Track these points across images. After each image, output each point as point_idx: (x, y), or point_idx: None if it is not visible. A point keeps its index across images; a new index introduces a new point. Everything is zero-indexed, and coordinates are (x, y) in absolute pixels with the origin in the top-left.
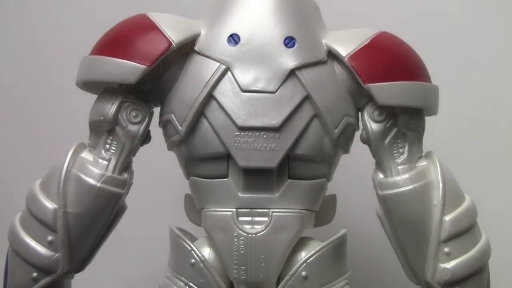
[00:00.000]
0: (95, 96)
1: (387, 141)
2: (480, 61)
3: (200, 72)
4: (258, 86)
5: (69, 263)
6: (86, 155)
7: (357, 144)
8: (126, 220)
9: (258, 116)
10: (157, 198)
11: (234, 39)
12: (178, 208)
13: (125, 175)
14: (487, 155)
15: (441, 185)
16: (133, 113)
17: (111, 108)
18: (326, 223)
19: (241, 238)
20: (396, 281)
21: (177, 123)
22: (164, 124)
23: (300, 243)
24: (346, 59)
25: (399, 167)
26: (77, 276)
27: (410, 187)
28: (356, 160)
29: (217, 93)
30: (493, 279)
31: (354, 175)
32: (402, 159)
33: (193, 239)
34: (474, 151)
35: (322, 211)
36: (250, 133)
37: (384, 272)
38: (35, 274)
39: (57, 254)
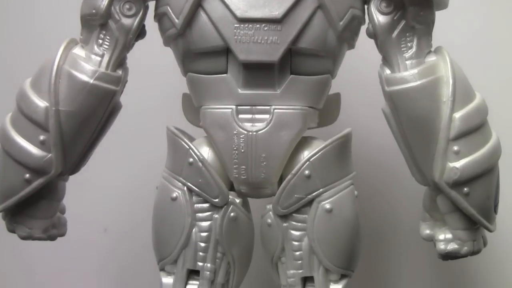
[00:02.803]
0: None
1: (394, 34)
2: None
3: None
4: None
5: (62, 164)
6: (78, 51)
7: (363, 40)
8: (121, 121)
9: (259, 7)
10: (153, 97)
11: None
12: (176, 108)
13: (119, 72)
14: (498, 51)
15: (451, 81)
16: (127, 6)
17: (103, 0)
18: (330, 123)
19: (241, 136)
20: (403, 182)
21: (173, 15)
22: (160, 17)
23: (303, 142)
24: None
25: (407, 62)
26: (72, 180)
27: (418, 82)
28: (362, 57)
29: None
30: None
31: (360, 72)
32: (410, 53)
33: (191, 139)
34: (486, 47)
35: (326, 110)
36: (250, 25)
37: (390, 173)
38: (27, 175)
39: (50, 155)
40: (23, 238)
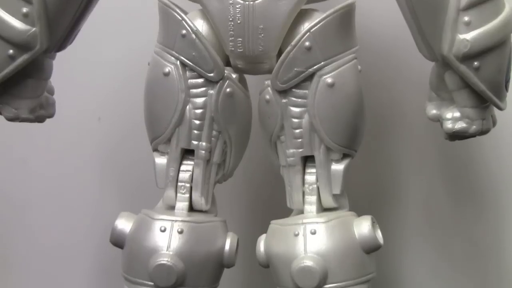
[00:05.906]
0: None
1: None
2: None
3: None
4: None
5: (47, 38)
6: None
7: None
8: None
9: None
10: None
11: None
12: None
13: None
14: None
15: None
16: None
17: None
18: None
19: (237, 6)
20: (409, 59)
21: None
22: None
23: (303, 13)
24: None
25: None
26: (61, 63)
27: None
28: None
29: None
30: None
31: None
32: None
33: (184, 12)
34: None
35: None
36: None
37: (395, 48)
38: (11, 51)
39: (34, 28)
40: (10, 119)
